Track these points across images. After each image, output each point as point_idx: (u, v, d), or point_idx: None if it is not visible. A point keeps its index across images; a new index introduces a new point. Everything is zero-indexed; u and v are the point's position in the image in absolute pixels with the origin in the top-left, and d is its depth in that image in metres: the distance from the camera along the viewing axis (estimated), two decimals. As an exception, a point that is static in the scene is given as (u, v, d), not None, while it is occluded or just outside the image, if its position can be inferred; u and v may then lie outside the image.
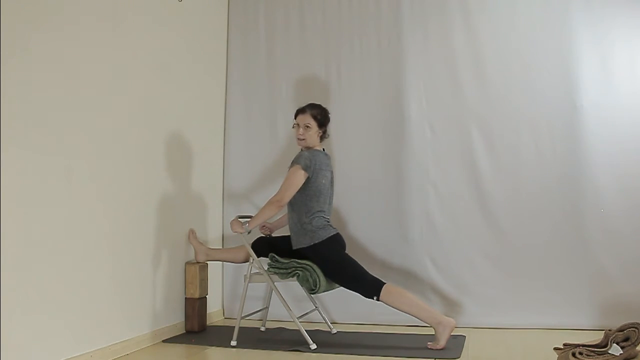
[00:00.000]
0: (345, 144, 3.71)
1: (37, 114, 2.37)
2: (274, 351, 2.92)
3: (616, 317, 2.97)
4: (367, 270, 2.99)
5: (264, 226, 3.41)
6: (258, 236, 3.36)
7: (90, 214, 2.66)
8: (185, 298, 3.40)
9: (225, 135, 3.98)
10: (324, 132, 3.20)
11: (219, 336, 3.24)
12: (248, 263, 3.19)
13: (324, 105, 3.23)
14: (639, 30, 3.28)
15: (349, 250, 3.15)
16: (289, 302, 3.20)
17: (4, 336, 2.17)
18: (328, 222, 3.10)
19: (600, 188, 3.26)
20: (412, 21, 3.64)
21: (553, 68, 3.38)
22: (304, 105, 3.21)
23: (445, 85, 3.56)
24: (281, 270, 3.05)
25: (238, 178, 3.91)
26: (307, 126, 3.11)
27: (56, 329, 2.44)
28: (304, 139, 3.13)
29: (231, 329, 3.12)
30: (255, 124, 3.92)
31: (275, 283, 3.12)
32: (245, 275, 3.18)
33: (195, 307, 3.37)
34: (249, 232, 3.10)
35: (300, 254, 3.06)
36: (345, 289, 3.02)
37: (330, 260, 3.01)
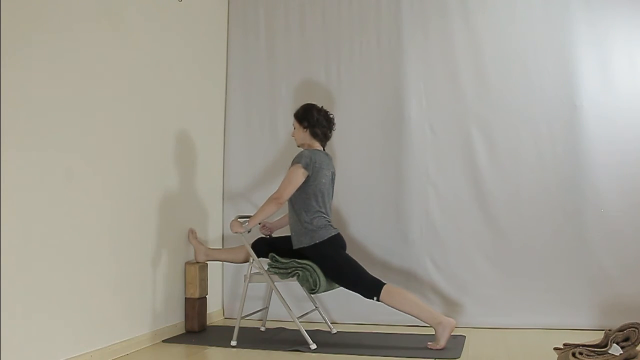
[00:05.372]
0: (345, 144, 3.71)
1: (37, 114, 2.37)
2: (274, 351, 2.92)
3: (616, 317, 2.97)
4: (367, 271, 2.99)
5: (264, 226, 3.42)
6: (258, 236, 3.36)
7: (90, 213, 2.66)
8: (185, 298, 3.40)
9: (225, 135, 3.98)
10: (310, 128, 3.17)
11: (219, 336, 3.24)
12: (248, 263, 3.19)
13: (313, 103, 3.24)
14: (639, 30, 3.28)
15: (349, 250, 3.16)
16: (289, 302, 3.20)
17: (4, 336, 2.17)
18: (329, 222, 3.11)
19: (600, 188, 3.26)
20: (412, 21, 3.64)
21: (553, 68, 3.38)
22: None
23: (445, 85, 3.56)
24: (281, 270, 3.05)
25: (238, 178, 3.91)
26: (293, 126, 3.25)
27: (56, 329, 2.44)
28: (293, 137, 3.27)
29: (231, 329, 3.12)
30: (255, 124, 3.92)
31: (275, 283, 3.12)
32: (245, 275, 3.18)
33: (195, 307, 3.37)
34: (249, 231, 3.10)
35: (301, 253, 3.07)
36: (346, 289, 3.02)
37: (331, 261, 3.01)
